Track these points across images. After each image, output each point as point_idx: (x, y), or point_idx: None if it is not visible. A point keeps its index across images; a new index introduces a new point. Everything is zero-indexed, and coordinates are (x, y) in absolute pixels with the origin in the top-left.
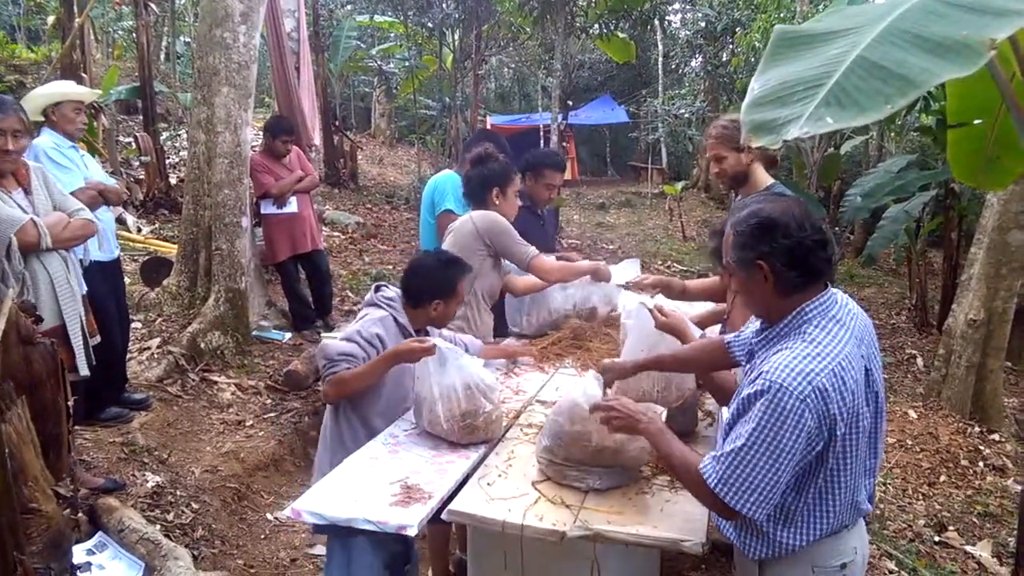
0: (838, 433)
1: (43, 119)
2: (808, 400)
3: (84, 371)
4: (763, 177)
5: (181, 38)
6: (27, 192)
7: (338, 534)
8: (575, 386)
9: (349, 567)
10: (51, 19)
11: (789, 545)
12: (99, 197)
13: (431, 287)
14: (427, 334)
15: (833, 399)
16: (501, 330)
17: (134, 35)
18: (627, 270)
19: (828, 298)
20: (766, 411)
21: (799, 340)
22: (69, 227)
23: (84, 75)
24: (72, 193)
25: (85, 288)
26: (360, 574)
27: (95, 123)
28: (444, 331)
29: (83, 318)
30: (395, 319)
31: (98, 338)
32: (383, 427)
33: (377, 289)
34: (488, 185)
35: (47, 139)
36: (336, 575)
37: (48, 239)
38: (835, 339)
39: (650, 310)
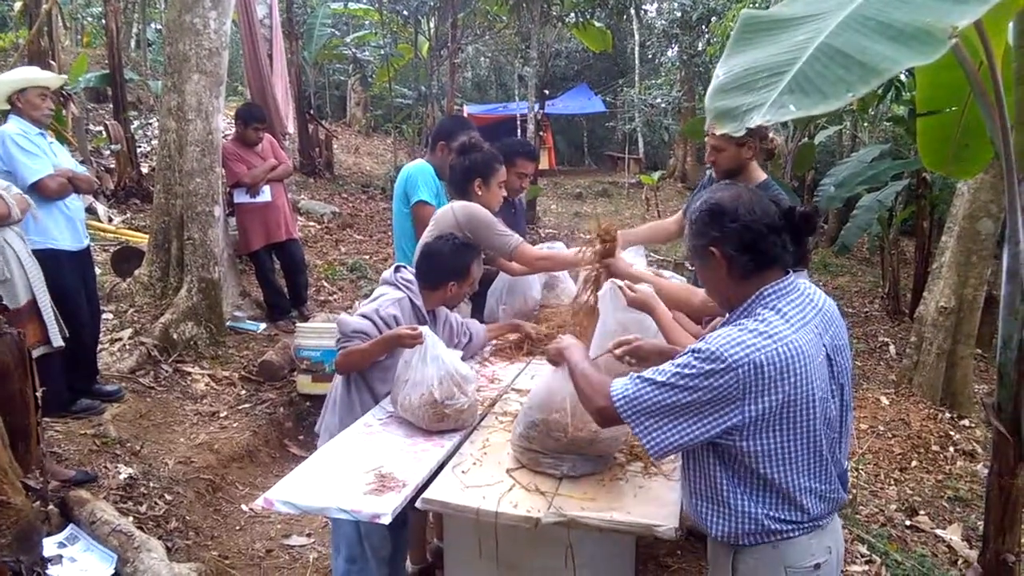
0: (769, 413)
1: (9, 107)
2: (739, 369)
3: (58, 342)
4: (758, 173)
5: (152, 24)
6: None
7: None
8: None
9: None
10: (18, 5)
11: (751, 514)
12: (69, 184)
13: (446, 270)
14: (434, 316)
15: (768, 376)
16: (479, 320)
17: (103, 21)
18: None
19: (788, 284)
20: (693, 359)
21: (750, 319)
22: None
23: (52, 62)
24: (42, 180)
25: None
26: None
27: (64, 111)
28: (453, 315)
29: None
30: (411, 300)
31: None
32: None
33: (397, 269)
34: (471, 175)
35: (14, 126)
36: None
37: (16, 210)
38: (787, 322)
39: (620, 287)
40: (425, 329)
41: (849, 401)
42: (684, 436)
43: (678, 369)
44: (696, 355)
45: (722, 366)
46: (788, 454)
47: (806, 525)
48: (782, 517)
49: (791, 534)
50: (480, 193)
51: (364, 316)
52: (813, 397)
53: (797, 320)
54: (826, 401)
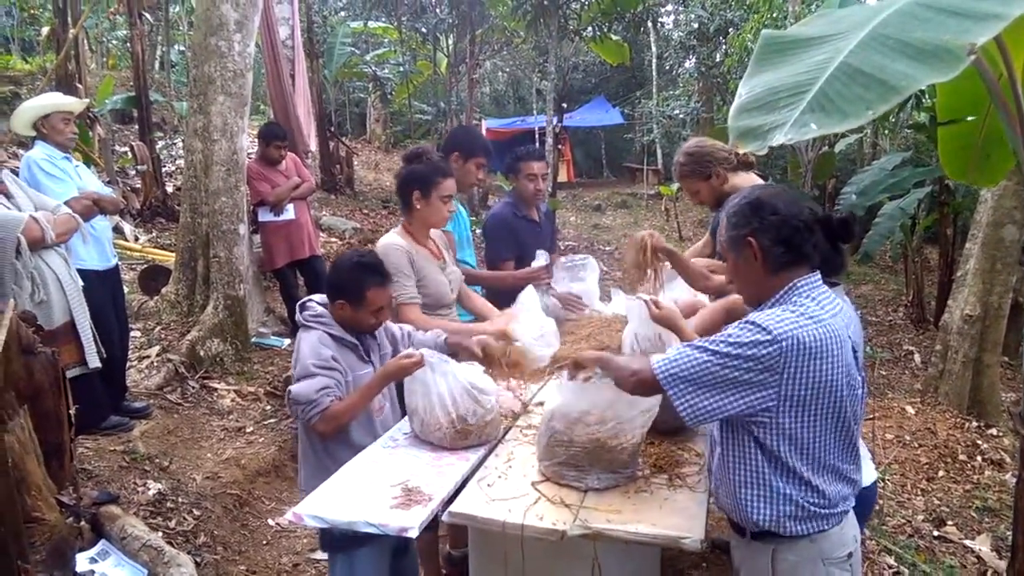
0: (806, 391)
1: (35, 133)
2: (782, 343)
3: (95, 363)
4: (746, 181)
5: (176, 47)
6: (8, 197)
7: (336, 543)
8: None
9: (352, 567)
10: (45, 30)
11: (793, 501)
12: (94, 206)
13: (337, 284)
14: (373, 337)
15: (809, 354)
16: None
17: (128, 45)
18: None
19: (817, 280)
20: (738, 328)
21: (788, 305)
22: (57, 223)
23: (79, 85)
24: (66, 203)
25: (82, 282)
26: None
27: (91, 133)
28: (399, 328)
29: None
30: (328, 334)
31: None
32: (362, 438)
33: (303, 308)
34: (407, 186)
35: (39, 151)
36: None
37: (51, 233)
38: (823, 309)
39: (645, 301)
40: (425, 350)
41: (865, 393)
42: (720, 404)
43: (722, 337)
44: (741, 325)
45: (767, 337)
46: (820, 432)
47: (837, 513)
48: (815, 501)
49: (824, 525)
50: (419, 206)
51: (310, 375)
52: (843, 381)
53: (831, 308)
54: (854, 388)
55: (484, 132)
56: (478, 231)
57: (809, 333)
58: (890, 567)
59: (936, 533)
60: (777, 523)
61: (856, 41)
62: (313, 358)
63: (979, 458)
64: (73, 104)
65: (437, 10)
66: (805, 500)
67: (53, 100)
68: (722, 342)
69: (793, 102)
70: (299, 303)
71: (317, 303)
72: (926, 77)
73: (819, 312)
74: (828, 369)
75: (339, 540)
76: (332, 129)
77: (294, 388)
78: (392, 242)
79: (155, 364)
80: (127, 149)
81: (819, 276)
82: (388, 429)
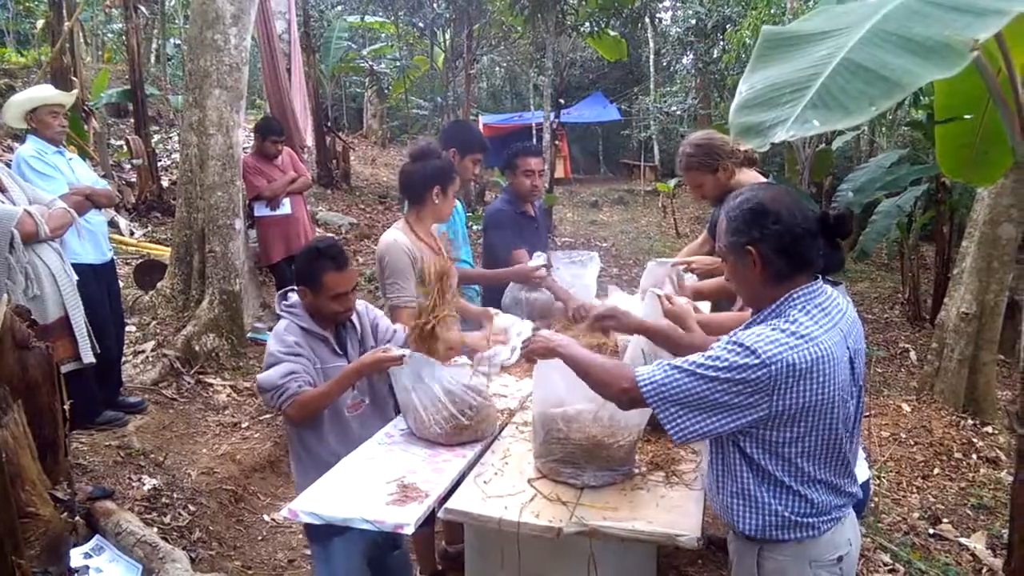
0: (796, 410)
1: (26, 126)
2: (772, 366)
3: (89, 358)
4: (750, 178)
5: (171, 40)
6: (2, 191)
7: (316, 535)
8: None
9: (329, 563)
10: (40, 23)
11: (778, 513)
12: (86, 201)
13: (299, 271)
14: (349, 326)
15: (799, 375)
16: None
17: (124, 38)
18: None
19: (816, 288)
20: (727, 351)
21: (781, 320)
22: (52, 217)
23: (74, 78)
24: (60, 197)
25: (76, 277)
26: (339, 566)
27: (86, 127)
28: (384, 321)
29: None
30: (298, 325)
31: None
32: (335, 433)
33: (282, 297)
34: (430, 183)
35: (29, 147)
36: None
37: (45, 228)
38: (817, 325)
39: (659, 296)
40: (408, 350)
41: (863, 402)
42: (710, 426)
43: (711, 361)
44: (730, 347)
45: (756, 361)
46: (807, 448)
47: (827, 520)
48: (802, 511)
49: (813, 532)
50: (437, 202)
51: (275, 363)
52: (836, 397)
53: (826, 323)
54: (846, 402)
55: (481, 128)
56: (474, 227)
57: (800, 355)
58: (885, 565)
59: (931, 531)
60: (763, 531)
61: (857, 37)
62: (278, 345)
63: (974, 456)
64: (60, 97)
65: (434, 5)
66: (791, 511)
67: (40, 93)
68: (711, 366)
69: (795, 98)
70: (279, 293)
71: (295, 293)
72: (929, 73)
73: (812, 329)
74: (818, 389)
75: (318, 530)
76: (328, 124)
77: (260, 377)
78: (397, 240)
79: (150, 359)
80: (122, 143)
81: (819, 284)
82: (367, 427)
